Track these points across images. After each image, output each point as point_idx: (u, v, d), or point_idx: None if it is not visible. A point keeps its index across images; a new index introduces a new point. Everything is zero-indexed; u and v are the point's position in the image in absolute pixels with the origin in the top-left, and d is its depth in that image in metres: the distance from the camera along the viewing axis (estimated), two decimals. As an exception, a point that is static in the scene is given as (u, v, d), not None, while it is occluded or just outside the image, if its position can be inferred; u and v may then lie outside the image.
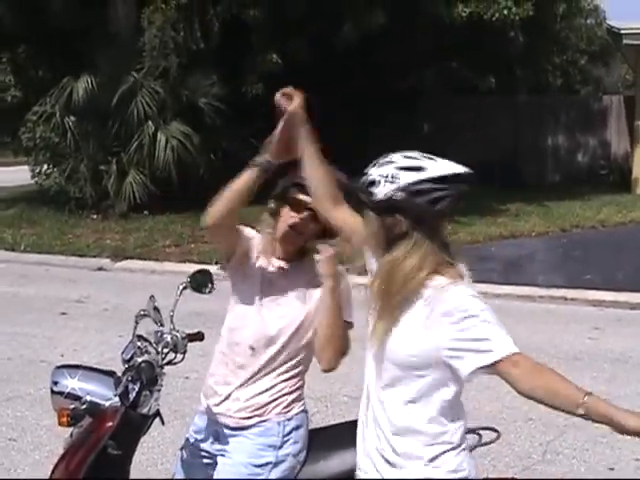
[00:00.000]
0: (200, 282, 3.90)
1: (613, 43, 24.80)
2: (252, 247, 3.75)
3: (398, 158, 3.02)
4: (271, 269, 3.69)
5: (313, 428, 3.79)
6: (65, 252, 14.53)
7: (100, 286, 12.20)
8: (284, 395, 3.64)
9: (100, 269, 13.59)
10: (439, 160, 3.03)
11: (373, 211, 2.98)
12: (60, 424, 3.57)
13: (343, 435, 3.69)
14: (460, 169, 3.00)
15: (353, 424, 3.74)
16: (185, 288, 3.86)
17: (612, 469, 5.98)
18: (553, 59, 26.89)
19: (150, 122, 17.35)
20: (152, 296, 3.70)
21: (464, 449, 3.04)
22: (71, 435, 3.71)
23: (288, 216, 3.61)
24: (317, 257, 3.53)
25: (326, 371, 3.61)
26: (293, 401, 3.66)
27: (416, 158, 3.02)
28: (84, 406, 3.49)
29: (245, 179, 3.52)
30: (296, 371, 3.67)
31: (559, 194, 19.83)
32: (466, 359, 2.87)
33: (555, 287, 11.63)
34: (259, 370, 3.63)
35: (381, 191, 2.93)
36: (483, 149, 22.34)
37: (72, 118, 17.87)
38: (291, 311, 3.63)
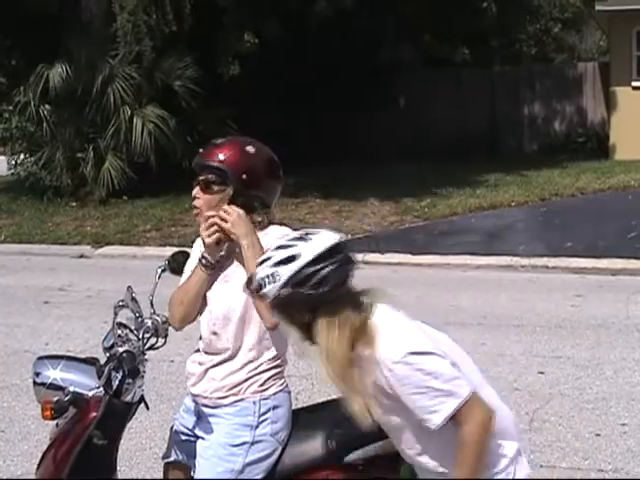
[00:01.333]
0: (179, 263, 3.91)
1: (586, 10, 24.83)
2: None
3: (274, 252, 3.00)
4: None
5: (298, 408, 3.80)
6: (45, 241, 14.50)
7: (82, 273, 12.18)
8: (259, 373, 3.62)
9: (81, 256, 13.55)
10: (313, 238, 3.00)
11: (275, 309, 3.00)
12: (44, 417, 3.57)
13: (329, 414, 3.71)
14: (332, 240, 3.00)
15: (336, 402, 3.76)
16: (164, 271, 3.87)
17: (599, 435, 6.02)
18: (527, 28, 26.90)
19: (126, 107, 17.27)
20: (129, 287, 3.70)
21: None
22: (57, 425, 3.72)
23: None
24: (227, 214, 3.55)
25: (270, 329, 3.52)
26: (269, 379, 3.64)
27: (289, 245, 2.99)
28: (67, 397, 3.49)
29: (196, 281, 3.68)
30: (269, 350, 3.64)
31: (537, 163, 19.84)
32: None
33: (536, 256, 11.67)
34: (227, 349, 3.63)
35: (269, 291, 2.93)
36: (460, 121, 22.38)
37: (47, 107, 17.76)
38: (237, 286, 3.54)
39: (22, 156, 18.89)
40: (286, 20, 17.64)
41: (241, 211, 3.56)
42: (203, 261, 3.64)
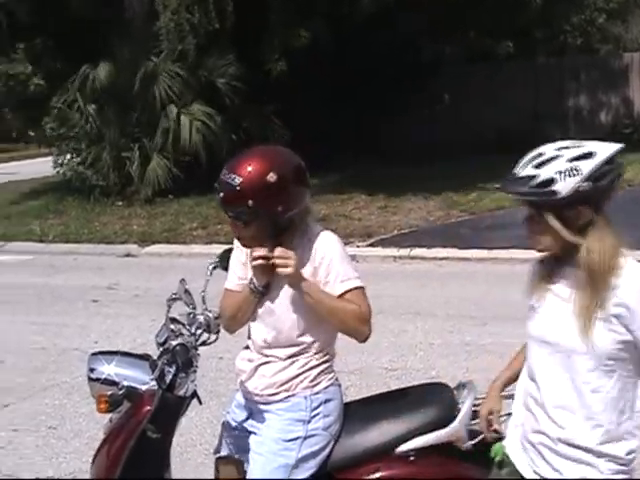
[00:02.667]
0: (229, 260, 3.92)
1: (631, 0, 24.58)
2: (241, 264, 3.81)
3: (558, 152, 2.96)
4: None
5: (348, 401, 3.80)
6: (92, 240, 14.63)
7: (129, 272, 12.27)
8: (310, 369, 3.64)
9: (128, 255, 13.65)
10: (593, 142, 3.01)
11: (553, 210, 2.92)
12: (99, 410, 3.61)
13: (379, 406, 3.72)
14: (617, 146, 3.00)
15: (388, 395, 3.77)
16: (215, 268, 3.87)
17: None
18: (571, 19, 26.65)
19: (172, 105, 17.38)
20: (183, 279, 3.71)
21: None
22: (110, 420, 3.76)
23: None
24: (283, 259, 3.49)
25: (363, 342, 3.60)
26: (320, 374, 3.66)
27: (575, 146, 2.98)
28: (122, 391, 3.54)
29: (245, 301, 3.70)
30: (318, 344, 3.66)
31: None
32: None
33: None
34: (278, 355, 3.66)
35: (565, 187, 2.87)
36: (503, 115, 22.23)
37: (93, 106, 17.92)
38: (281, 296, 3.62)
39: (68, 156, 19.05)
40: (329, 19, 17.63)
41: (293, 255, 3.49)
42: (252, 286, 3.65)
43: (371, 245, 12.96)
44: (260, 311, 3.70)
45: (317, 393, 3.63)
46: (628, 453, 2.96)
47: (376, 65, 20.42)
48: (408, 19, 18.74)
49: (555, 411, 2.98)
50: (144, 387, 3.58)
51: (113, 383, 3.65)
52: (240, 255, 3.80)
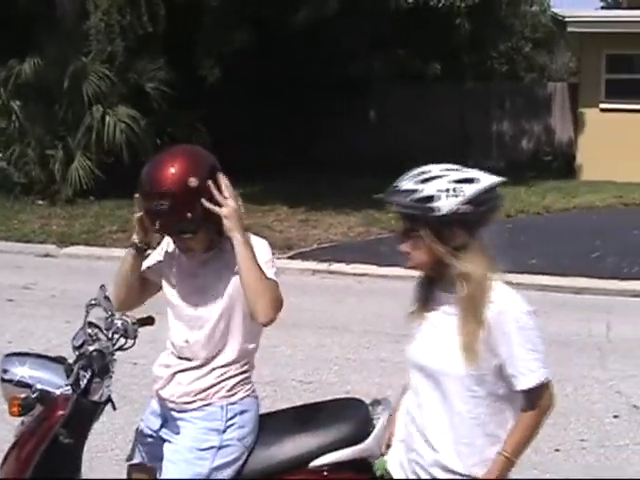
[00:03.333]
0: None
1: (557, 30, 25.06)
2: (164, 266, 3.82)
3: (443, 172, 3.05)
4: (184, 266, 3.74)
5: (263, 413, 3.82)
6: (10, 238, 14.38)
7: (47, 272, 12.12)
8: (227, 379, 3.64)
9: (47, 255, 13.46)
10: (477, 171, 3.13)
11: (429, 226, 3.00)
12: (11, 414, 3.56)
13: (295, 419, 3.75)
14: (498, 178, 3.14)
15: (303, 408, 3.81)
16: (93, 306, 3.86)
17: (558, 450, 6.11)
18: (498, 46, 27.08)
19: (98, 105, 17.22)
20: (103, 285, 3.70)
21: None
22: (22, 423, 3.71)
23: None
24: (221, 212, 3.47)
25: (265, 324, 3.50)
26: (237, 384, 3.67)
27: (460, 170, 3.09)
28: (35, 394, 3.49)
29: (127, 262, 3.77)
30: (237, 356, 3.66)
31: (504, 180, 19.90)
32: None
33: (501, 272, 11.73)
34: (198, 357, 3.66)
35: (445, 205, 2.96)
36: (429, 136, 22.44)
37: (18, 102, 17.67)
38: (211, 298, 3.63)
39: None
40: (261, 26, 17.66)
41: (234, 205, 3.49)
42: (135, 244, 3.71)
43: (290, 258, 12.99)
44: (181, 310, 3.70)
45: (233, 403, 3.63)
46: None
47: (305, 76, 20.51)
48: (341, 32, 18.90)
49: (429, 433, 3.08)
50: (58, 391, 3.53)
51: (26, 385, 3.58)
52: (159, 255, 3.86)
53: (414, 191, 3.00)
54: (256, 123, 20.19)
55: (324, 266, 12.43)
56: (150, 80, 17.77)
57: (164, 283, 3.80)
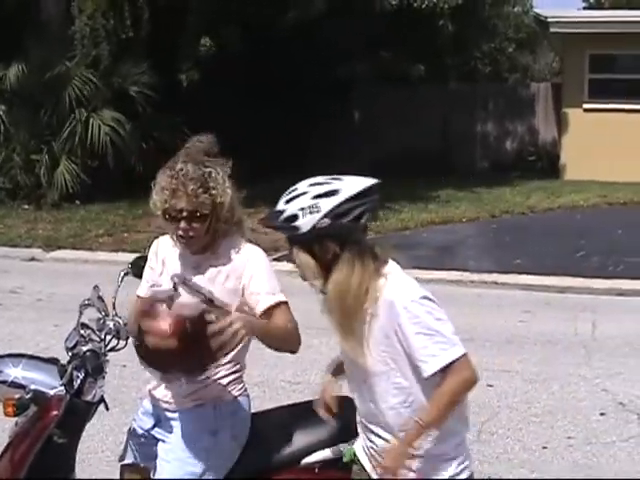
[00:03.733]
0: (141, 268, 3.95)
1: (540, 31, 25.18)
2: (155, 272, 3.81)
3: (308, 188, 3.12)
4: (178, 272, 3.73)
5: (255, 412, 3.86)
6: (-4, 242, 14.39)
7: (33, 276, 12.10)
8: (220, 379, 3.67)
9: (33, 259, 13.45)
10: (346, 178, 3.17)
11: (300, 244, 3.10)
12: (6, 414, 3.60)
13: (286, 418, 3.79)
14: (369, 182, 3.15)
15: (294, 407, 3.86)
16: (127, 274, 3.91)
17: (545, 447, 6.16)
18: (482, 47, 27.19)
19: (82, 109, 17.21)
20: (96, 286, 3.75)
21: None
22: (16, 424, 3.75)
23: (175, 228, 3.61)
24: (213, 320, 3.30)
25: (295, 352, 3.66)
26: (229, 384, 3.70)
27: (326, 183, 3.14)
28: (29, 395, 3.53)
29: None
30: (229, 355, 3.67)
31: (489, 181, 20.03)
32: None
33: (486, 272, 11.82)
34: None
35: (305, 223, 3.05)
36: (414, 137, 22.52)
37: (3, 107, 17.66)
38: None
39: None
40: (247, 29, 17.70)
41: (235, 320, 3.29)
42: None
43: (277, 260, 13.00)
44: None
45: (226, 403, 3.67)
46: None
47: (290, 78, 20.54)
48: (327, 34, 18.96)
49: (368, 423, 3.25)
50: (52, 391, 3.57)
51: (20, 386, 3.63)
52: (153, 263, 3.83)
53: (282, 212, 3.11)
54: (243, 126, 20.20)
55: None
56: (134, 84, 17.75)
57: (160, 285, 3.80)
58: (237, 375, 3.75)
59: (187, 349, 3.24)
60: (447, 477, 3.17)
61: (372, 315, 3.09)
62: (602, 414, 6.83)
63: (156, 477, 3.64)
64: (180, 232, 3.57)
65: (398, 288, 3.10)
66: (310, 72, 20.62)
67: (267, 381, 7.40)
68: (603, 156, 19.88)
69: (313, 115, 21.73)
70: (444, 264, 12.36)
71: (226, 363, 3.68)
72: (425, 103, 23.32)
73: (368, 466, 3.30)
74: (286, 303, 3.65)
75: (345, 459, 3.43)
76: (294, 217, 3.06)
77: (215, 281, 3.62)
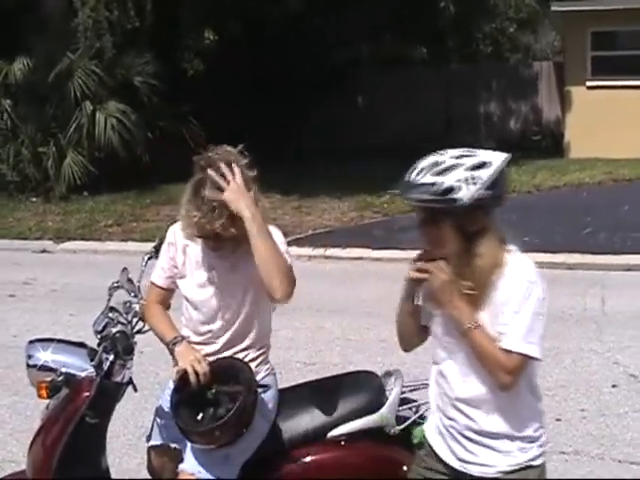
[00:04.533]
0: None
1: (541, 10, 25.15)
2: (176, 269, 3.84)
3: (456, 160, 3.11)
4: (200, 259, 3.78)
5: (281, 388, 3.96)
6: (7, 236, 14.49)
7: (45, 268, 12.22)
8: (248, 361, 3.73)
9: (44, 251, 13.59)
10: (486, 151, 3.20)
11: (453, 217, 3.07)
12: (39, 397, 3.70)
13: (312, 393, 3.89)
14: (506, 155, 3.20)
15: (319, 382, 3.96)
16: (150, 258, 3.99)
17: (559, 419, 6.27)
18: (483, 28, 27.18)
19: (88, 102, 17.29)
20: (125, 268, 3.84)
21: None
22: (47, 407, 3.85)
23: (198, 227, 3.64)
24: (226, 193, 3.47)
25: (282, 301, 3.56)
26: (258, 366, 3.78)
27: (473, 155, 3.15)
28: (61, 377, 3.62)
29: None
30: (255, 336, 3.78)
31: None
32: None
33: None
34: (219, 341, 3.77)
35: (466, 195, 3.02)
36: (416, 119, 22.56)
37: (9, 101, 17.74)
38: (228, 288, 3.71)
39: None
40: (247, 18, 17.75)
41: (240, 181, 3.52)
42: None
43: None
44: (200, 301, 3.77)
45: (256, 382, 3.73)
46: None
47: (293, 64, 20.58)
48: (328, 19, 18.99)
49: (459, 404, 3.21)
50: (82, 374, 3.67)
51: (49, 369, 3.73)
52: (172, 251, 3.84)
53: (433, 184, 3.05)
54: (248, 114, 20.27)
55: (320, 251, 12.58)
56: (138, 74, 17.83)
57: (179, 281, 3.83)
58: (264, 356, 3.84)
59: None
60: (528, 459, 3.24)
61: (495, 288, 3.11)
62: (614, 386, 6.94)
63: (186, 456, 3.68)
64: (209, 247, 3.70)
65: (522, 265, 3.14)
66: (311, 58, 20.65)
67: (282, 363, 7.45)
68: (607, 133, 19.89)
69: (315, 101, 21.78)
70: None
71: (253, 345, 3.78)
72: (427, 85, 23.37)
73: (441, 448, 3.29)
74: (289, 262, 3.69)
75: (416, 440, 3.42)
76: (451, 189, 3.03)
77: (237, 267, 3.70)
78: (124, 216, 15.38)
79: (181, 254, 3.81)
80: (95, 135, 17.15)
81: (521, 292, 3.09)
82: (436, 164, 3.10)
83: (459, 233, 3.09)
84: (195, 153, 3.70)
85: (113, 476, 3.95)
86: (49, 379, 3.64)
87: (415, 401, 3.81)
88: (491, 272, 3.10)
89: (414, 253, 3.29)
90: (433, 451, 3.32)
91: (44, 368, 3.74)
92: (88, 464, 3.74)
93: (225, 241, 3.64)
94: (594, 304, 9.35)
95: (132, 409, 6.17)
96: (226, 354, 3.74)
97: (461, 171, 3.06)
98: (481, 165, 3.09)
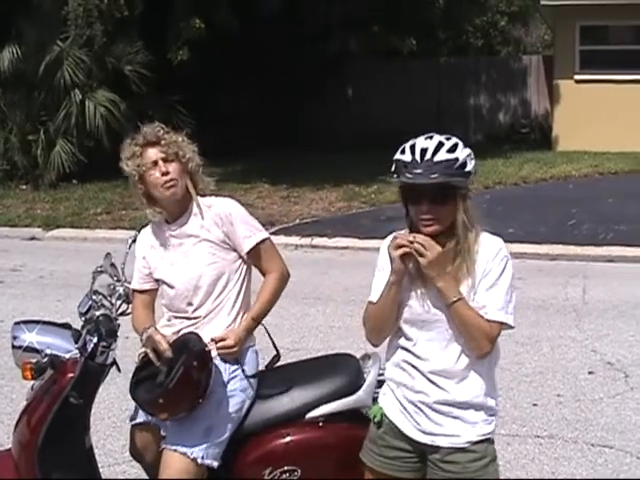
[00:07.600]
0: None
1: (531, 4, 25.23)
2: (150, 261, 4.04)
3: (451, 141, 3.28)
4: (167, 241, 3.99)
5: (260, 369, 4.06)
6: (-5, 223, 14.56)
7: (34, 255, 12.28)
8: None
9: (32, 238, 13.64)
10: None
11: (463, 191, 3.30)
12: (24, 378, 3.78)
13: (291, 374, 4.00)
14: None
15: (297, 364, 4.06)
16: (134, 241, 4.09)
17: (535, 404, 6.40)
18: (473, 21, 27.24)
19: (77, 90, 17.33)
20: (109, 253, 3.93)
21: None
22: (32, 388, 3.93)
23: (154, 178, 3.92)
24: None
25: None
26: None
27: (447, 138, 3.32)
28: (46, 359, 3.70)
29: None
30: (234, 312, 3.94)
31: (482, 153, 20.01)
32: None
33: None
34: (200, 315, 3.91)
35: (472, 169, 3.27)
36: (406, 111, 22.62)
37: (-2, 89, 17.80)
38: (198, 258, 3.90)
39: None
40: (237, 8, 17.78)
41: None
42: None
43: (273, 233, 13.17)
44: (175, 278, 3.93)
45: (236, 357, 3.89)
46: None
47: (283, 55, 20.64)
48: (317, 11, 19.03)
49: (433, 376, 3.33)
50: (67, 355, 3.75)
51: (34, 351, 3.80)
52: (146, 252, 4.05)
53: (456, 160, 3.22)
54: (237, 104, 20.34)
55: (307, 241, 12.68)
56: (128, 63, 17.89)
57: (156, 273, 4.02)
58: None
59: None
60: (489, 431, 3.36)
61: (472, 262, 3.28)
62: (590, 373, 7.07)
63: (168, 431, 3.80)
64: (162, 181, 3.88)
65: (495, 241, 3.35)
66: (301, 48, 20.71)
67: (266, 349, 7.57)
68: (594, 127, 20.01)
69: (305, 92, 21.85)
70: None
71: (235, 318, 3.93)
72: (417, 77, 23.46)
73: (404, 424, 3.39)
74: (269, 238, 3.99)
75: (376, 419, 3.48)
76: (465, 164, 3.24)
77: (200, 238, 3.90)
78: (113, 204, 15.44)
79: (151, 250, 4.01)
80: (85, 123, 17.20)
81: (498, 267, 3.27)
82: (441, 144, 3.25)
83: (464, 205, 3.29)
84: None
85: (97, 457, 4.03)
86: (34, 360, 3.71)
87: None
88: (475, 245, 3.28)
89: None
90: (395, 427, 3.42)
91: (29, 349, 3.81)
92: (72, 442, 3.81)
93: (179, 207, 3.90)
94: (575, 294, 9.48)
95: (117, 392, 6.28)
96: (209, 326, 3.87)
97: (461, 148, 3.25)
98: (462, 145, 3.28)
